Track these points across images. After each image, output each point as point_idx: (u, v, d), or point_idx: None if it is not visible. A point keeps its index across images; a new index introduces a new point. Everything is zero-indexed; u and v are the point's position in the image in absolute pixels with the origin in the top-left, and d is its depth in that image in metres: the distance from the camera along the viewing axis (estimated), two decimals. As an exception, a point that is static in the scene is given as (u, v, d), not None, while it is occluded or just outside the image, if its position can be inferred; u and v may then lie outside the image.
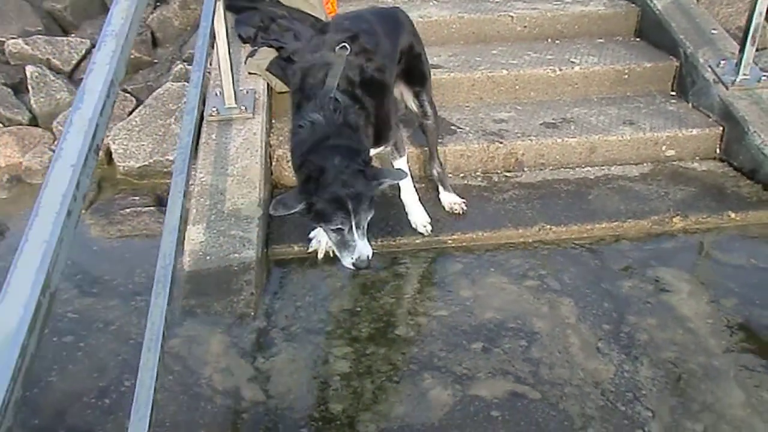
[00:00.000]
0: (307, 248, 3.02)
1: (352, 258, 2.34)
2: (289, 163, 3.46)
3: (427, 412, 2.20)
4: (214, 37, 3.26)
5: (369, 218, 2.38)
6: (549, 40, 4.55)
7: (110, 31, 1.38)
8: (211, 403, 2.24)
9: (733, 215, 3.30)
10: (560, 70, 4.11)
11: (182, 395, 2.28)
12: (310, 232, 3.04)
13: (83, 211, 3.33)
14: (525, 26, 4.57)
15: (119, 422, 2.14)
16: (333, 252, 2.66)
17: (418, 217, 3.09)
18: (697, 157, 3.80)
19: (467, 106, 4.03)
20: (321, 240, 2.99)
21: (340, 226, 2.31)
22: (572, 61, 4.18)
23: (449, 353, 2.42)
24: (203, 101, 3.70)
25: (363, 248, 2.34)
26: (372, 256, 2.36)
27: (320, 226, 2.45)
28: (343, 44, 2.55)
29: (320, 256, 3.00)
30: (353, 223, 2.31)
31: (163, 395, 2.26)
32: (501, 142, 3.62)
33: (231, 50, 3.45)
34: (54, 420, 2.22)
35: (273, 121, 3.83)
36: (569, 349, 2.46)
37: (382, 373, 2.36)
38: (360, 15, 3.01)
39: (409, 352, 2.45)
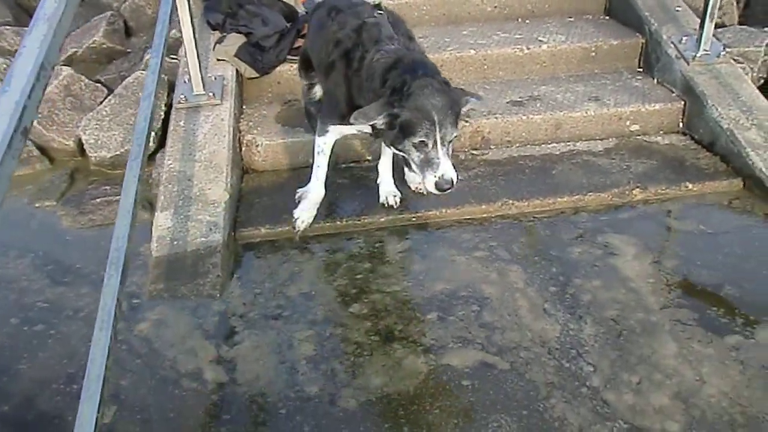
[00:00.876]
0: (275, 229, 3.09)
1: (435, 176, 2.26)
2: (259, 148, 3.57)
3: (405, 380, 2.28)
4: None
5: (454, 136, 2.32)
6: (519, 19, 4.58)
7: (42, 15, 1.43)
8: (179, 387, 2.30)
9: (690, 186, 3.38)
10: (528, 49, 4.16)
11: (150, 379, 2.34)
12: (294, 209, 3.08)
13: (55, 203, 3.44)
14: (495, 6, 4.61)
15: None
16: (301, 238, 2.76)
17: (388, 187, 3.16)
18: (661, 131, 3.86)
19: (435, 87, 4.08)
20: (303, 217, 3.04)
21: (424, 139, 2.25)
22: (540, 40, 4.23)
23: (406, 326, 2.50)
24: (171, 88, 3.77)
25: (447, 167, 2.27)
26: (456, 181, 2.29)
27: (400, 148, 2.36)
28: (379, 11, 2.66)
29: (300, 228, 3.03)
30: (438, 137, 2.24)
31: (132, 379, 2.33)
32: (467, 121, 3.68)
33: (197, 37, 3.49)
34: (24, 407, 2.27)
35: (243, 107, 3.88)
36: (518, 311, 2.57)
37: (349, 353, 2.42)
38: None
39: (363, 327, 2.52)
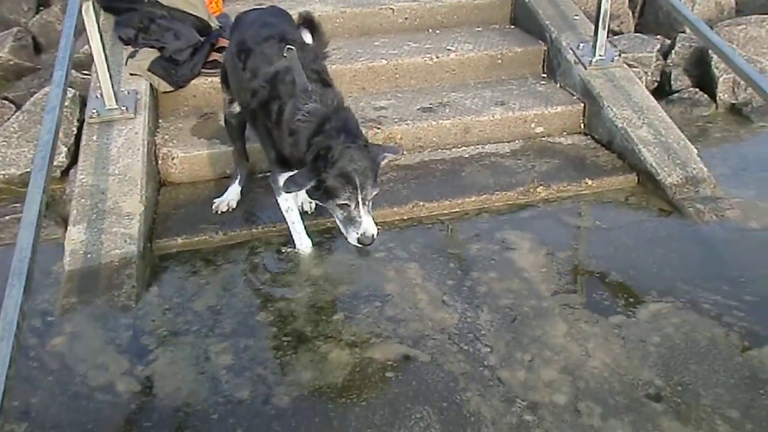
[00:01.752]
0: (192, 239, 3.16)
1: (357, 233, 2.45)
2: (175, 161, 3.60)
3: (334, 373, 2.39)
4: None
5: (374, 194, 2.50)
6: (429, 30, 4.77)
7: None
8: (94, 401, 2.30)
9: (590, 182, 3.60)
10: (437, 57, 4.33)
11: (62, 394, 2.33)
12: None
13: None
14: (406, 18, 4.78)
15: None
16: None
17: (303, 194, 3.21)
18: (564, 132, 4.10)
19: (350, 96, 4.17)
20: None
21: (346, 202, 2.43)
22: (449, 49, 4.42)
23: (315, 327, 2.59)
24: (84, 104, 3.75)
25: (368, 224, 2.46)
26: (377, 235, 2.47)
27: (328, 205, 2.53)
28: (288, 47, 2.68)
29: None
30: (359, 198, 2.43)
31: (43, 396, 2.32)
32: (379, 128, 3.81)
33: (108, 52, 3.51)
34: None
35: (159, 120, 3.90)
36: (418, 304, 2.72)
37: (271, 358, 2.48)
38: (259, 17, 3.13)
39: (271, 333, 2.59)
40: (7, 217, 3.33)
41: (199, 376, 2.40)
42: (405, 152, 3.87)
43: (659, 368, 2.37)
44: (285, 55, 2.66)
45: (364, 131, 3.58)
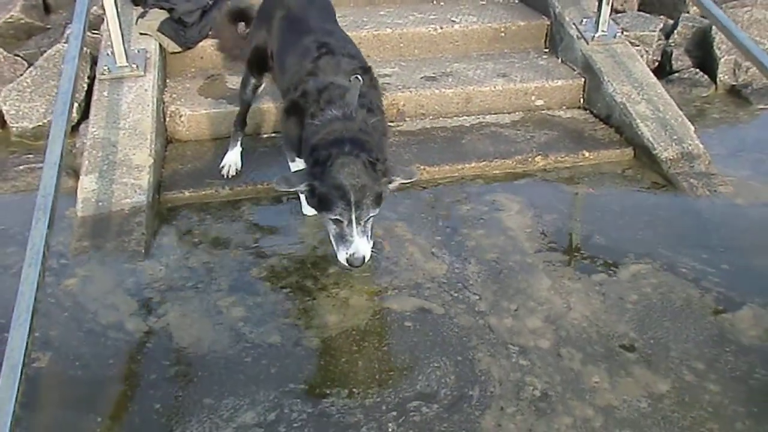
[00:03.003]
0: (198, 192, 3.26)
1: (347, 253, 2.23)
2: (182, 119, 3.69)
3: (357, 317, 2.51)
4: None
5: (372, 215, 2.27)
6: (434, 1, 4.85)
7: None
8: (111, 339, 2.40)
9: (587, 154, 3.71)
10: (441, 28, 4.41)
11: (78, 331, 2.43)
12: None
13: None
14: (412, -11, 4.84)
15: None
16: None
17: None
18: (564, 106, 4.19)
19: (355, 64, 4.27)
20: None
21: (338, 217, 2.22)
22: (453, 21, 4.49)
23: (317, 279, 2.72)
24: (94, 61, 3.83)
25: (360, 246, 2.22)
26: (368, 258, 2.27)
27: (321, 216, 2.36)
28: (357, 75, 2.50)
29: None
30: (353, 217, 2.21)
31: (60, 331, 2.42)
32: (383, 94, 3.89)
33: (120, 11, 3.57)
34: None
35: (167, 80, 3.98)
36: (410, 256, 2.87)
37: (291, 308, 2.57)
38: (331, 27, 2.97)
39: (283, 282, 2.70)
40: (21, 167, 3.42)
41: (216, 326, 2.48)
42: (407, 119, 3.97)
43: (635, 323, 2.53)
44: (351, 79, 2.49)
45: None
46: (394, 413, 2.10)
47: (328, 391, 2.20)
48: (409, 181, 2.42)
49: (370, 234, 2.30)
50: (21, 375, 1.59)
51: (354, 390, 2.20)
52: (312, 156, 2.34)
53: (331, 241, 2.35)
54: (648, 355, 2.38)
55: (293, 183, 2.30)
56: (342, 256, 2.26)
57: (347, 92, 2.45)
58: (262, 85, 3.28)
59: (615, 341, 2.44)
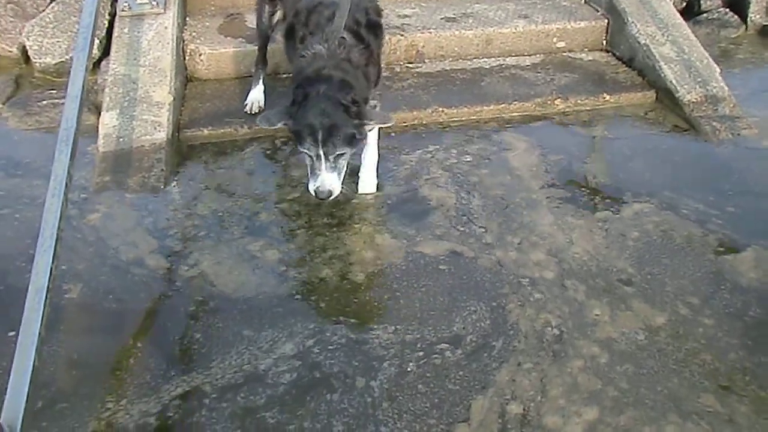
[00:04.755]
0: (218, 130, 3.31)
1: (314, 185, 2.43)
2: (202, 57, 3.70)
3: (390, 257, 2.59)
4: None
5: (342, 152, 2.42)
6: (456, -60, 4.71)
7: None
8: (142, 276, 2.46)
9: (608, 97, 3.67)
10: (463, -33, 4.32)
11: (103, 266, 2.50)
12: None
13: (1, 106, 3.53)
14: (434, -74, 4.71)
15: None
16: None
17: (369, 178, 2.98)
18: (585, 48, 4.12)
19: (375, 3, 4.22)
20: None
21: (307, 152, 2.42)
22: (475, -41, 4.39)
23: (357, 214, 2.80)
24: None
25: (326, 180, 2.41)
26: (338, 193, 2.45)
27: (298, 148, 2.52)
28: None
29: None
30: (321, 152, 2.38)
31: (87, 265, 2.50)
32: (402, 35, 3.87)
33: (139, -53, 3.55)
34: None
35: (187, 18, 3.97)
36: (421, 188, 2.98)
37: (322, 249, 2.61)
38: None
39: (308, 221, 2.76)
40: (45, 102, 3.48)
41: (256, 270, 2.51)
42: (427, 60, 3.94)
43: (633, 259, 2.58)
44: None
45: (388, 38, 3.79)
46: (420, 353, 2.17)
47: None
48: (384, 125, 2.59)
49: (342, 170, 2.48)
50: (46, 298, 1.68)
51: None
52: (293, 94, 2.48)
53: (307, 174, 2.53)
54: (644, 290, 2.43)
55: (272, 121, 2.48)
56: (311, 187, 2.45)
57: (336, 11, 2.54)
58: (278, 13, 3.25)
59: (613, 275, 2.49)
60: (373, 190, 2.92)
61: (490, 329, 2.25)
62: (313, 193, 2.45)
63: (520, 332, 2.24)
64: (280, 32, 3.02)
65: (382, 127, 2.78)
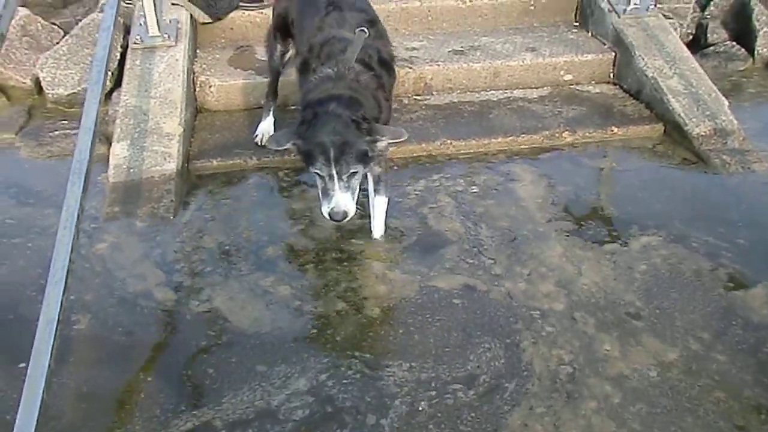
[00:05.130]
0: (227, 161, 3.33)
1: (328, 207, 2.33)
2: (212, 89, 3.75)
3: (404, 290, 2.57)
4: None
5: (355, 170, 2.34)
6: (464, -26, 4.78)
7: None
8: (155, 309, 2.46)
9: (616, 130, 3.67)
10: (470, 1, 4.38)
11: (110, 297, 2.50)
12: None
13: (13, 136, 3.57)
14: (441, -39, 4.79)
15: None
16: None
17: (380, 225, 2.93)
18: (593, 81, 4.14)
19: (383, 36, 4.27)
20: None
21: (319, 172, 2.33)
22: (482, -7, 4.45)
23: (366, 247, 2.80)
24: (127, 31, 3.89)
25: (340, 200, 2.31)
26: (353, 214, 2.37)
27: (309, 171, 2.45)
28: (363, 28, 2.56)
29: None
30: (334, 172, 2.29)
31: (94, 296, 2.50)
32: (411, 68, 3.90)
33: (152, -19, 3.61)
34: (4, 309, 2.46)
35: (197, 50, 4.03)
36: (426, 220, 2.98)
37: (336, 282, 2.60)
38: None
39: (317, 256, 2.75)
40: (56, 132, 3.53)
41: (270, 305, 2.50)
42: (435, 92, 3.97)
43: (642, 292, 2.56)
44: (356, 32, 2.54)
45: (396, 70, 3.83)
46: (433, 392, 2.14)
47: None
48: (396, 141, 2.44)
49: (355, 190, 2.38)
50: (56, 330, 1.67)
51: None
52: (301, 115, 2.43)
53: (318, 198, 2.44)
54: (654, 324, 2.41)
55: (281, 142, 2.39)
56: (325, 210, 2.36)
57: (348, 46, 2.53)
58: (289, 52, 3.29)
59: (621, 308, 2.48)
60: (379, 237, 2.88)
61: (504, 369, 2.22)
62: (327, 216, 2.35)
63: (533, 372, 2.21)
64: (294, 66, 3.03)
65: (388, 162, 2.78)
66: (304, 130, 2.34)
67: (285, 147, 2.41)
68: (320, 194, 2.39)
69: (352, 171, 2.33)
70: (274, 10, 3.34)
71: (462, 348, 2.31)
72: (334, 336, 2.35)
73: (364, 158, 2.35)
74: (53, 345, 1.63)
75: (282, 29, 3.23)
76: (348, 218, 2.36)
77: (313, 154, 2.31)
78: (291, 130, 2.42)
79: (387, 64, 2.72)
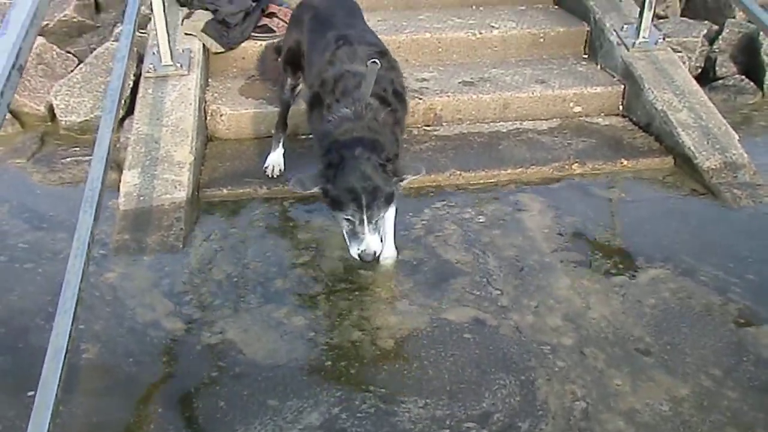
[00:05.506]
0: (236, 190, 3.34)
1: (359, 249, 2.37)
2: (223, 117, 3.77)
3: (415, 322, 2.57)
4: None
5: (384, 213, 2.42)
6: (474, 6, 4.84)
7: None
8: (164, 337, 2.46)
9: (625, 162, 3.67)
10: (480, 33, 4.42)
11: (119, 327, 2.49)
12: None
13: (26, 162, 3.60)
14: (452, -7, 4.86)
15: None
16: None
17: (389, 250, 2.95)
18: (602, 113, 4.15)
19: (393, 67, 4.31)
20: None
21: (350, 217, 2.35)
22: (492, 26, 4.49)
23: (375, 277, 2.80)
24: (141, 59, 3.94)
25: (371, 242, 2.36)
26: (380, 252, 2.42)
27: (334, 214, 2.47)
28: (374, 60, 2.56)
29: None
30: (365, 216, 2.33)
31: (102, 325, 2.49)
32: (421, 99, 3.93)
33: (167, 12, 3.67)
34: (15, 335, 2.46)
35: (209, 79, 4.07)
36: (435, 249, 2.99)
37: (348, 311, 2.61)
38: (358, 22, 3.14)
39: (328, 287, 2.75)
40: (68, 159, 3.55)
41: (284, 336, 2.49)
42: (444, 123, 3.99)
43: (651, 327, 2.55)
44: (368, 65, 2.55)
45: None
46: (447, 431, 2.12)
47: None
48: (418, 177, 2.51)
49: (380, 229, 2.44)
50: (64, 360, 1.66)
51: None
52: (325, 158, 2.44)
53: (344, 236, 2.47)
54: (664, 360, 2.39)
55: (307, 185, 2.40)
56: (354, 252, 2.40)
57: (362, 80, 2.55)
58: (300, 86, 3.32)
59: (630, 344, 2.46)
60: (394, 255, 2.90)
61: (519, 406, 2.20)
62: (357, 257, 2.40)
63: (548, 411, 2.18)
64: (303, 99, 3.04)
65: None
66: (332, 175, 2.36)
67: (311, 191, 2.42)
68: (348, 235, 2.43)
69: (382, 214, 2.40)
70: (284, 43, 3.38)
71: (477, 384, 2.29)
72: (349, 368, 2.33)
73: (391, 199, 2.42)
74: (61, 375, 1.62)
75: (292, 63, 3.25)
76: (377, 258, 2.42)
77: (343, 201, 2.34)
78: (317, 173, 2.43)
79: (400, 95, 2.75)
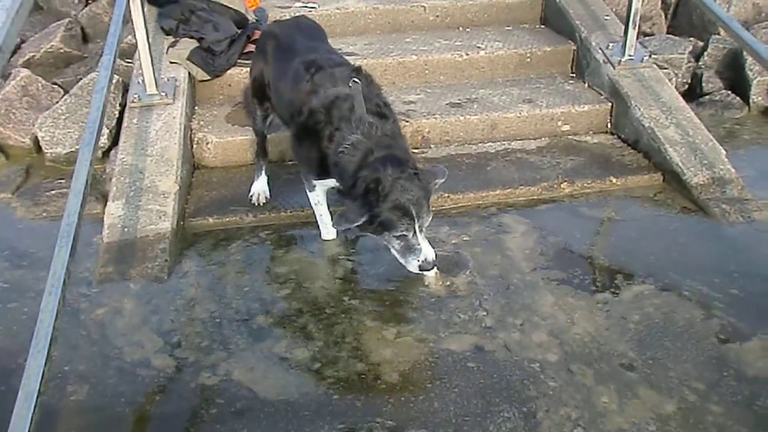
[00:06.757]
0: (222, 219, 3.31)
1: (418, 261, 2.42)
2: (209, 145, 3.75)
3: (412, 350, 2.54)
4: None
5: (431, 218, 2.48)
6: (460, 28, 4.86)
7: (1, 5, 1.60)
8: (161, 379, 2.40)
9: (614, 180, 3.65)
10: (467, 54, 4.42)
11: (105, 366, 2.43)
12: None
13: (10, 195, 3.56)
14: (437, 16, 4.87)
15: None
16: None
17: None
18: (590, 131, 4.14)
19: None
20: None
21: (404, 233, 2.39)
22: (479, 47, 4.50)
23: (355, 300, 2.78)
24: (125, 90, 3.93)
25: (428, 251, 2.43)
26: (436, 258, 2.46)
27: (383, 237, 2.48)
28: (355, 79, 2.62)
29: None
30: (417, 227, 2.39)
31: (88, 365, 2.43)
32: (408, 121, 3.91)
33: (151, 41, 3.67)
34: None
35: (195, 107, 4.06)
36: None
37: (342, 337, 2.58)
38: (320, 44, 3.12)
39: (313, 316, 2.71)
40: (53, 192, 3.52)
41: (289, 370, 2.45)
42: (432, 145, 3.97)
43: (634, 342, 2.55)
44: (350, 85, 2.60)
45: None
46: None
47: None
48: (444, 178, 2.60)
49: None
50: (36, 404, 1.62)
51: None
52: (358, 186, 2.43)
53: (395, 255, 2.51)
54: (648, 375, 2.39)
55: (353, 219, 2.39)
56: (414, 266, 2.45)
57: (353, 102, 2.56)
58: (271, 116, 3.28)
59: (615, 360, 2.47)
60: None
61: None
62: (419, 270, 2.45)
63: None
64: (290, 132, 2.95)
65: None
66: (375, 200, 2.37)
67: (358, 223, 2.41)
68: (400, 253, 2.47)
69: (430, 219, 2.47)
70: (250, 75, 3.35)
71: (482, 415, 2.26)
72: (356, 399, 2.31)
73: (429, 205, 2.46)
74: (32, 420, 1.57)
75: (258, 94, 3.23)
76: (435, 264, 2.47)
77: (394, 219, 2.37)
78: (357, 204, 2.41)
79: (389, 105, 2.76)
